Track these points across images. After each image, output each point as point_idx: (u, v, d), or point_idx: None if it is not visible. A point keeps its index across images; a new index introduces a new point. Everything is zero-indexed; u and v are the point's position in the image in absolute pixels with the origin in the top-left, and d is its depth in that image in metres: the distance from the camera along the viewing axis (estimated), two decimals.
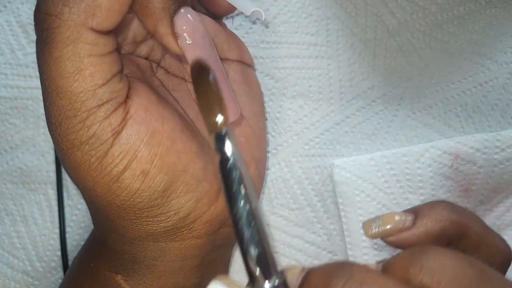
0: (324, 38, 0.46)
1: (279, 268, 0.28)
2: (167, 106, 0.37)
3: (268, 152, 0.47)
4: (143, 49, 0.41)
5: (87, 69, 0.33)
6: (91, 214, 0.41)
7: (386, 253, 0.45)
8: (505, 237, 0.35)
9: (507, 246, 0.34)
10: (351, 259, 0.46)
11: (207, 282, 0.41)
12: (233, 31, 0.45)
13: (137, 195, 0.35)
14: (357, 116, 0.47)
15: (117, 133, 0.34)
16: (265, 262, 0.28)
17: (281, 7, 0.46)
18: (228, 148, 0.29)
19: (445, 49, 0.46)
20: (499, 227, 0.47)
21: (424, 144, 0.45)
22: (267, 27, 0.46)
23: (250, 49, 0.46)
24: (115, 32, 0.35)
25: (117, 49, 0.36)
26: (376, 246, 0.45)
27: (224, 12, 0.41)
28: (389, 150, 0.46)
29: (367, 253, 0.45)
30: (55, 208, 0.48)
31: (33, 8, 0.46)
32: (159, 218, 0.36)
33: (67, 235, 0.48)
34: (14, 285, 0.48)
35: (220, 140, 0.29)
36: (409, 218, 0.34)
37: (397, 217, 0.34)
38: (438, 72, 0.46)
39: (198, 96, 0.31)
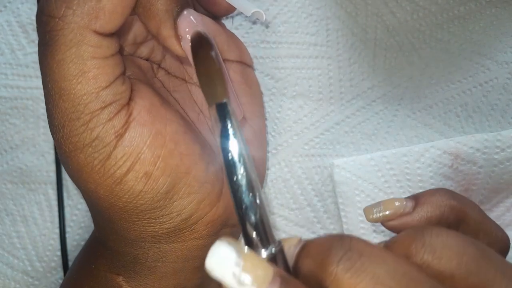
0: (324, 38, 0.46)
1: (277, 238, 0.28)
2: (169, 108, 0.37)
3: (268, 152, 0.47)
4: (144, 50, 0.41)
5: (91, 72, 0.33)
6: (92, 216, 0.41)
7: None
8: None
9: (506, 234, 0.35)
10: None
11: (208, 282, 0.42)
12: (233, 31, 0.45)
13: (140, 197, 0.35)
14: (357, 116, 0.47)
15: (120, 136, 0.34)
16: (263, 230, 0.28)
17: (281, 7, 0.46)
18: (229, 118, 0.29)
19: (445, 49, 0.46)
20: None
21: (424, 144, 0.45)
22: (267, 27, 0.46)
23: (250, 49, 0.46)
24: (118, 34, 0.35)
25: (120, 51, 0.35)
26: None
27: (224, 12, 0.41)
28: (389, 150, 0.46)
29: None
30: (55, 208, 0.48)
31: (33, 8, 0.47)
32: (161, 220, 0.36)
33: (67, 235, 0.48)
34: (14, 285, 0.48)
35: (221, 110, 0.29)
36: (409, 204, 0.34)
37: (397, 203, 0.34)
38: (438, 72, 0.46)
39: (197, 68, 0.31)
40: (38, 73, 0.47)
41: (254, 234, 0.28)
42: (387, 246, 0.28)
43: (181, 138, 0.36)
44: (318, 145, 0.47)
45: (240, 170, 0.28)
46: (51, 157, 0.48)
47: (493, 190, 0.45)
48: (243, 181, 0.28)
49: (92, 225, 0.43)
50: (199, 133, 0.40)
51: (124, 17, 0.33)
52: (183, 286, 0.39)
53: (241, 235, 0.28)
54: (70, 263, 0.48)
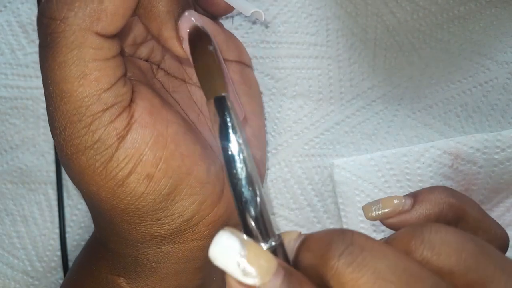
0: (324, 38, 0.46)
1: (277, 232, 0.28)
2: (170, 109, 0.37)
3: (268, 152, 0.47)
4: (143, 51, 0.41)
5: (92, 74, 0.32)
6: (92, 217, 0.41)
7: None
8: None
9: (505, 232, 0.35)
10: None
11: (209, 283, 0.42)
12: (233, 31, 0.45)
13: (141, 198, 0.35)
14: (357, 116, 0.47)
15: (122, 138, 0.34)
16: (263, 224, 0.28)
17: (281, 7, 0.46)
18: (228, 112, 0.29)
19: (445, 49, 0.46)
20: None
21: (424, 144, 0.45)
22: (267, 27, 0.46)
23: (250, 49, 0.46)
24: (119, 36, 0.35)
25: (121, 53, 0.35)
26: None
27: (223, 12, 0.41)
28: (389, 150, 0.46)
29: None
30: (55, 208, 0.48)
31: (33, 8, 0.46)
32: (163, 221, 0.36)
33: (67, 235, 0.48)
34: (14, 285, 0.48)
35: (219, 104, 0.29)
36: (408, 201, 0.34)
37: (396, 201, 0.34)
38: (438, 72, 0.46)
39: (195, 63, 0.31)
40: (38, 73, 0.47)
41: (254, 227, 0.28)
42: (386, 242, 0.28)
43: (181, 139, 0.36)
44: (318, 145, 0.47)
45: (240, 164, 0.28)
46: (51, 157, 0.48)
47: (493, 190, 0.45)
48: (242, 175, 0.28)
49: (92, 226, 0.42)
50: (200, 134, 0.39)
51: (125, 19, 0.33)
52: (185, 287, 0.40)
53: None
54: (70, 263, 0.48)
